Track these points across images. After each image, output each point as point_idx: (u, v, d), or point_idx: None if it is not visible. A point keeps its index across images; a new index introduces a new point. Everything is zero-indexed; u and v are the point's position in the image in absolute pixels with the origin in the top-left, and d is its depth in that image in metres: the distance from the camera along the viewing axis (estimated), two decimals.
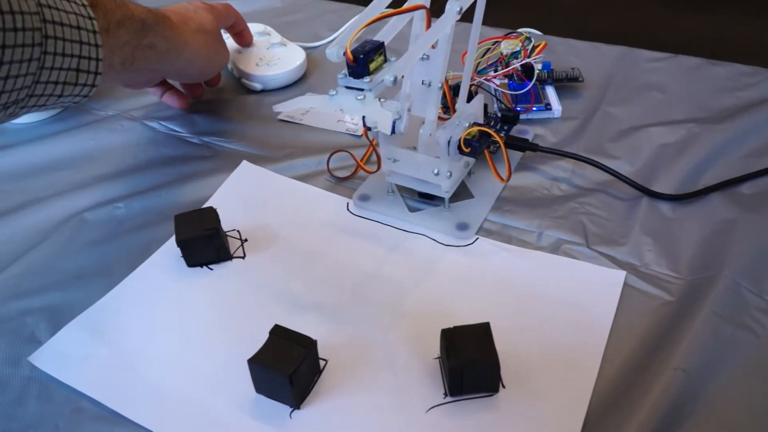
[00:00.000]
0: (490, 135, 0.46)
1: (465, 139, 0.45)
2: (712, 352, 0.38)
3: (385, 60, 0.41)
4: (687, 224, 0.46)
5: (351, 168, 0.53)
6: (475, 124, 0.46)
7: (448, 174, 0.46)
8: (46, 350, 0.41)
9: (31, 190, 0.54)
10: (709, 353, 0.38)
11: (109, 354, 0.41)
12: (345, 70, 0.40)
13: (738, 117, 0.56)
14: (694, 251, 0.44)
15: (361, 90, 0.40)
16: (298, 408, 0.37)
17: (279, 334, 0.38)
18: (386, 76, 0.40)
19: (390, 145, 0.47)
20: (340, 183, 0.53)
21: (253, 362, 0.36)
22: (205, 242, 0.45)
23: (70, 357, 0.40)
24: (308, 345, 0.37)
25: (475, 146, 0.45)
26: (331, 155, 0.54)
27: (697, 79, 0.62)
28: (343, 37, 0.40)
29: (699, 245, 0.45)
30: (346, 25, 0.72)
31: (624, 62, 0.65)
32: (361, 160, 0.52)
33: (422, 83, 0.45)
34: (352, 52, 0.39)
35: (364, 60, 0.39)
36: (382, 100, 0.41)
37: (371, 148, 0.52)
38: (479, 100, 0.49)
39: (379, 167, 0.51)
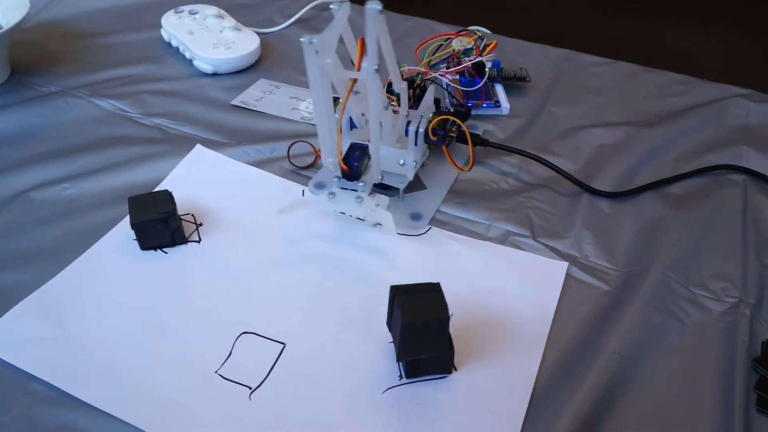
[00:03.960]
0: (454, 122, 0.48)
1: (433, 129, 0.47)
2: (644, 338, 0.41)
3: (369, 157, 0.46)
4: (622, 220, 0.50)
5: (307, 156, 0.54)
6: (437, 113, 0.48)
7: (414, 164, 0.47)
8: None
9: None
10: (640, 339, 0.41)
11: (60, 336, 0.40)
12: (338, 173, 0.45)
13: (669, 122, 0.60)
14: (629, 245, 0.48)
15: (355, 191, 0.45)
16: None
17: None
18: (375, 175, 0.46)
19: (353, 140, 0.48)
20: (296, 171, 0.53)
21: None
22: (160, 225, 0.45)
23: (19, 339, 0.40)
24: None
25: (440, 134, 0.48)
26: (292, 145, 0.55)
27: (633, 84, 0.66)
28: (331, 148, 0.44)
29: (633, 240, 0.48)
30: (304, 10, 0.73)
31: (568, 65, 0.68)
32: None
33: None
34: (345, 160, 0.44)
35: (357, 168, 0.45)
36: (371, 195, 0.46)
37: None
38: (431, 92, 0.50)
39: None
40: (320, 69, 0.41)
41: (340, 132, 0.44)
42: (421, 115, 0.47)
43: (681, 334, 0.41)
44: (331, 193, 0.45)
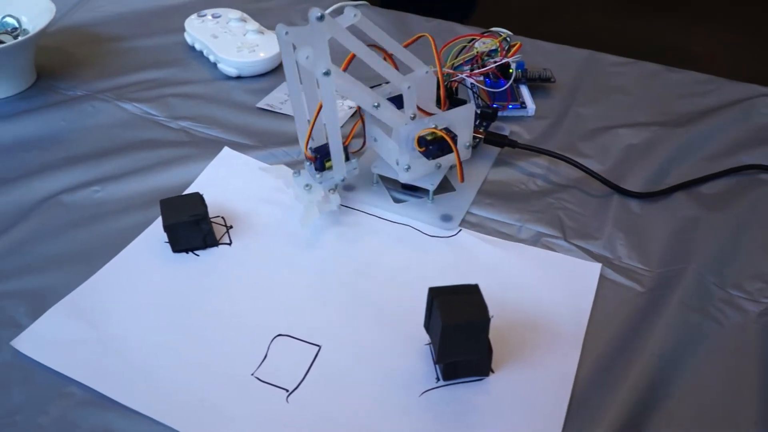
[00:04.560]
0: (449, 146, 0.46)
1: (420, 138, 0.46)
2: (682, 340, 0.41)
3: (347, 158, 0.48)
4: (654, 221, 0.49)
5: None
6: (446, 129, 0.46)
7: (406, 167, 0.47)
8: (30, 334, 0.40)
9: None
10: (679, 340, 0.40)
11: (96, 338, 0.40)
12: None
13: (696, 122, 0.59)
14: (662, 246, 0.47)
15: (313, 178, 0.48)
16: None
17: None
18: (336, 175, 0.48)
19: (374, 125, 0.48)
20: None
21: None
22: (192, 228, 0.45)
23: (55, 341, 0.40)
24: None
25: (429, 148, 0.46)
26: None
27: (658, 84, 0.65)
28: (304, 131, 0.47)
29: (666, 241, 0.48)
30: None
31: (590, 65, 0.68)
32: (346, 141, 0.53)
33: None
34: (315, 150, 0.47)
35: (320, 160, 0.47)
36: (330, 191, 0.48)
37: (354, 129, 0.52)
38: (468, 109, 0.48)
39: (363, 146, 0.52)
40: (296, 61, 0.43)
41: (313, 125, 0.47)
42: (427, 123, 0.46)
43: (719, 336, 0.41)
44: (296, 172, 0.48)
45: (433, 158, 0.47)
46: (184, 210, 0.45)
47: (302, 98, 0.47)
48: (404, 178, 0.48)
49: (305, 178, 0.48)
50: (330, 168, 0.48)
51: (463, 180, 0.48)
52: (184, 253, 0.46)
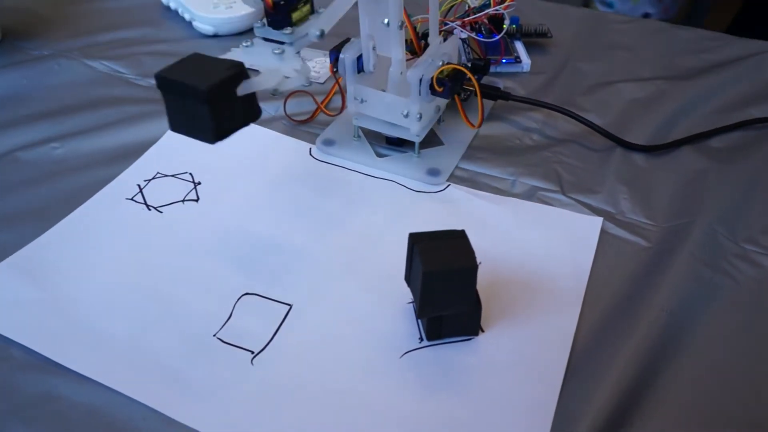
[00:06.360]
0: (464, 74, 0.43)
1: (438, 78, 0.42)
2: (694, 295, 0.37)
3: (312, 11, 0.37)
4: (660, 174, 0.45)
5: (310, 114, 0.50)
6: (449, 63, 0.44)
7: (418, 116, 0.43)
8: None
9: None
10: (690, 295, 0.37)
11: (43, 298, 0.36)
12: (264, 19, 0.36)
13: (703, 76, 0.56)
14: (669, 200, 0.43)
15: (281, 43, 0.35)
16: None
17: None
18: (311, 29, 0.35)
19: (358, 84, 0.44)
20: (299, 128, 0.49)
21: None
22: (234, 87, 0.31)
23: None
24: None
25: (448, 86, 0.42)
26: (288, 97, 0.51)
27: (662, 41, 0.61)
28: None
29: (673, 195, 0.44)
30: None
31: (589, 23, 0.64)
32: (323, 102, 0.49)
33: (382, 23, 0.42)
34: None
35: (285, 8, 0.35)
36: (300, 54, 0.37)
37: (336, 86, 0.48)
38: (454, 41, 0.46)
39: (343, 109, 0.48)
40: None
41: None
42: (430, 62, 0.42)
43: (734, 290, 0.37)
44: (247, 44, 0.37)
45: (450, 97, 0.43)
46: (208, 69, 0.31)
47: None
48: (417, 128, 0.44)
49: (262, 45, 0.36)
50: (300, 22, 0.35)
51: (482, 122, 0.44)
52: (146, 210, 0.42)
